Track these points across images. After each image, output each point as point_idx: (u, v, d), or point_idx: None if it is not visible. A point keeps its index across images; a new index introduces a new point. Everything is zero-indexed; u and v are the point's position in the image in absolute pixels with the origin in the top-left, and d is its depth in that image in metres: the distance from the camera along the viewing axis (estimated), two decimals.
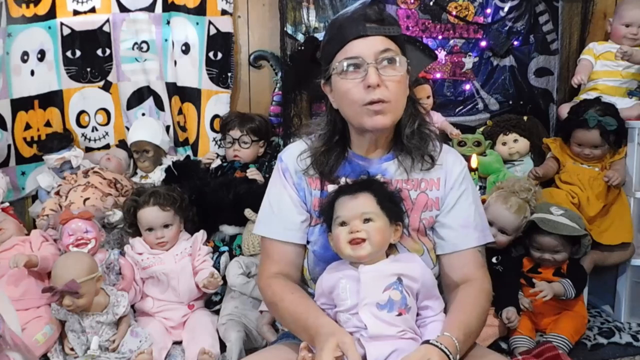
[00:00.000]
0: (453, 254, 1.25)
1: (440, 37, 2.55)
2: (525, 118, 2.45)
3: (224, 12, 2.47)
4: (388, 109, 1.17)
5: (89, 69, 2.51)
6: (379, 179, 1.23)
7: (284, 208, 1.29)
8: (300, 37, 2.47)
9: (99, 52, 2.50)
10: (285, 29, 2.47)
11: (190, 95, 2.53)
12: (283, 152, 1.36)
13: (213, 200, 2.06)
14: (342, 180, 1.23)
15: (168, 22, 2.48)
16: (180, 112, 2.55)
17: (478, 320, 1.16)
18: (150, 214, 1.90)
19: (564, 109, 2.35)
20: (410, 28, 2.50)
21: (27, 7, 2.41)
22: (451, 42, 2.56)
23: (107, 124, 2.59)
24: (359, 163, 1.28)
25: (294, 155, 1.31)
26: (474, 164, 2.24)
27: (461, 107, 2.61)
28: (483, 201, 1.96)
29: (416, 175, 1.26)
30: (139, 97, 2.57)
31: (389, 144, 1.28)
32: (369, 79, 1.14)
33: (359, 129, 1.23)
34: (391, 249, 1.23)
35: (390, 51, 1.16)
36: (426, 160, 1.25)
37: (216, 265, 1.96)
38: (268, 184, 1.37)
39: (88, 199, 2.12)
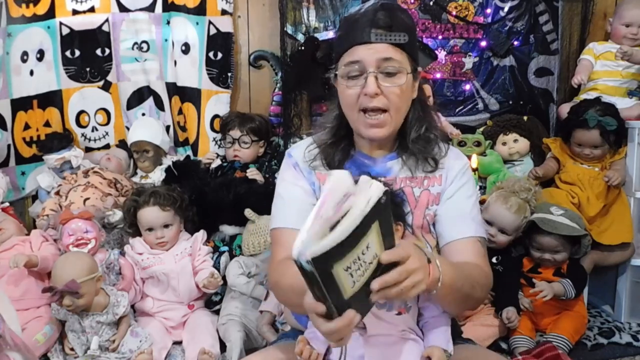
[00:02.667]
0: (451, 243, 1.23)
1: (440, 37, 2.56)
2: (525, 118, 2.45)
3: (224, 12, 2.47)
4: (385, 121, 1.19)
5: (88, 69, 2.51)
6: (379, 179, 1.23)
7: (296, 198, 1.28)
8: (300, 37, 2.47)
9: (98, 51, 2.50)
10: (285, 29, 2.47)
11: (190, 95, 2.53)
12: (291, 148, 1.37)
13: (213, 200, 2.06)
14: None
15: (168, 22, 2.48)
16: (180, 112, 2.55)
17: (466, 278, 1.10)
18: (150, 214, 1.90)
19: (564, 109, 2.35)
20: None
21: (27, 7, 2.41)
22: (451, 42, 2.57)
23: (107, 123, 2.59)
24: (364, 162, 1.28)
25: (302, 150, 1.32)
26: (474, 164, 2.24)
27: (461, 107, 2.61)
28: (483, 201, 1.97)
29: (420, 173, 1.26)
30: (139, 97, 2.57)
31: (393, 143, 1.29)
32: (368, 88, 1.15)
33: (358, 134, 1.26)
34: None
35: (392, 60, 1.15)
36: (429, 163, 1.25)
37: (216, 265, 1.96)
38: (276, 182, 1.37)
39: (88, 199, 2.12)
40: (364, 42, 1.15)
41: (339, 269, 0.78)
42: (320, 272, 0.76)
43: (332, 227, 0.77)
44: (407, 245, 0.91)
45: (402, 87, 1.17)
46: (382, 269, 0.85)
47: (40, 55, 2.46)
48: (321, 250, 0.74)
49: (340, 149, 1.28)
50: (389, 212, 0.84)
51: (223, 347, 1.78)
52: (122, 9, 2.47)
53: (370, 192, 0.78)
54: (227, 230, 2.08)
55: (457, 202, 1.25)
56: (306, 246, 0.74)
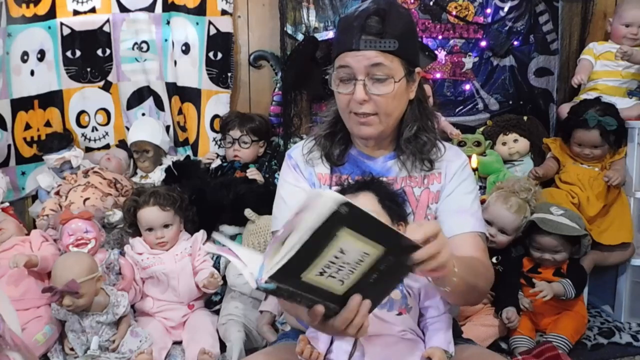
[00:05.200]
0: (451, 238, 1.20)
1: (440, 37, 2.55)
2: (525, 118, 2.45)
3: (224, 12, 2.47)
4: (374, 121, 1.19)
5: (89, 69, 2.51)
6: (381, 179, 1.23)
7: (297, 199, 1.28)
8: (300, 37, 2.48)
9: (99, 52, 2.50)
10: (285, 29, 2.47)
11: (190, 95, 2.53)
12: (291, 150, 1.37)
13: (213, 200, 2.06)
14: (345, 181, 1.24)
15: (168, 22, 2.48)
16: (180, 112, 2.55)
17: (470, 269, 1.10)
18: (150, 214, 1.90)
19: (564, 109, 2.35)
20: None
21: (27, 7, 2.41)
22: (451, 42, 2.57)
23: (107, 124, 2.59)
24: (364, 161, 1.29)
25: (301, 147, 1.33)
26: (474, 164, 2.24)
27: (461, 107, 2.61)
28: (483, 201, 1.97)
29: (417, 173, 1.26)
30: (139, 97, 2.57)
31: (391, 143, 1.29)
32: (355, 96, 1.16)
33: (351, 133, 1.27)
34: None
35: (382, 67, 1.15)
36: (425, 164, 1.25)
37: (216, 265, 1.96)
38: (277, 183, 1.37)
39: (88, 199, 2.12)
40: (353, 49, 1.15)
41: (310, 276, 0.80)
42: (289, 284, 0.78)
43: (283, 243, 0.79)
44: (433, 223, 0.95)
45: (391, 94, 1.17)
46: (398, 252, 0.87)
47: (41, 55, 2.46)
48: (275, 268, 0.76)
49: (337, 141, 1.29)
50: (364, 215, 0.83)
51: (223, 347, 1.78)
52: (123, 9, 2.47)
53: (321, 206, 0.78)
54: (227, 230, 2.08)
55: (457, 198, 1.25)
56: (260, 271, 0.77)
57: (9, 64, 2.42)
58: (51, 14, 2.44)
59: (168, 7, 2.46)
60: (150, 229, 1.91)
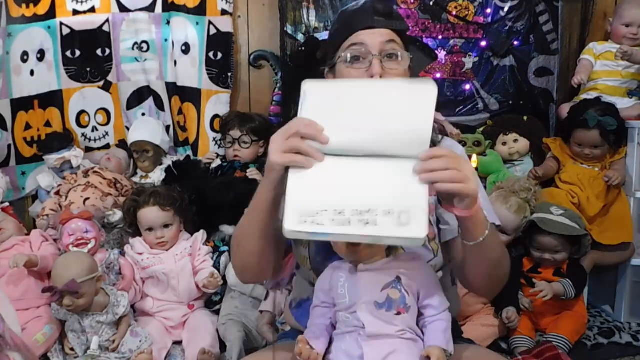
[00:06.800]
0: (458, 238, 1.18)
1: (440, 37, 2.55)
2: (525, 118, 2.45)
3: (224, 12, 2.47)
4: None
5: (88, 69, 2.51)
6: None
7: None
8: (300, 37, 2.48)
9: (99, 52, 2.50)
10: (285, 29, 2.47)
11: (190, 95, 2.53)
12: None
13: (213, 200, 2.06)
14: None
15: (168, 22, 2.48)
16: (180, 112, 2.55)
17: (499, 244, 1.14)
18: (150, 214, 1.90)
19: (564, 109, 2.35)
20: (410, 28, 2.51)
21: (27, 7, 2.41)
22: (451, 42, 2.56)
23: (107, 123, 2.59)
24: None
25: None
26: (474, 164, 2.24)
27: (461, 107, 2.61)
28: None
29: None
30: (139, 97, 2.57)
31: None
32: (373, 69, 1.16)
33: None
34: (395, 247, 1.22)
35: (394, 43, 1.19)
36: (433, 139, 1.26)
37: (216, 265, 1.96)
38: None
39: (88, 199, 2.12)
40: (367, 27, 1.18)
41: None
42: None
43: None
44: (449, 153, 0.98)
45: (405, 69, 1.19)
46: None
47: (41, 55, 2.46)
48: None
49: None
50: None
51: (223, 347, 1.78)
52: (123, 9, 2.47)
53: None
54: (227, 230, 2.08)
55: None
56: None
57: (9, 64, 2.42)
58: (51, 13, 2.44)
59: (168, 7, 2.46)
60: (150, 229, 1.91)
